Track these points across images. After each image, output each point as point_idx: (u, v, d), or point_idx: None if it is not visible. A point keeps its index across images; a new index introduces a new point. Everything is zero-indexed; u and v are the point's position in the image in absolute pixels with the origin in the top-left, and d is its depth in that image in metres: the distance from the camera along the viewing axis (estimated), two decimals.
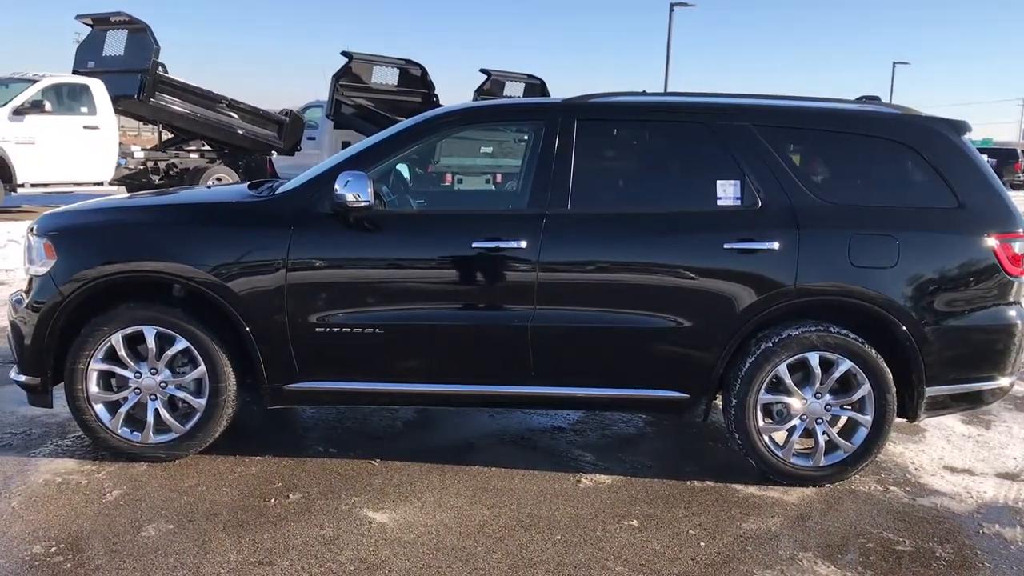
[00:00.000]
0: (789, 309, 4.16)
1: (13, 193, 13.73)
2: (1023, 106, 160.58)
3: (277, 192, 4.40)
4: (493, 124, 6.13)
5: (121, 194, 13.10)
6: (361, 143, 4.65)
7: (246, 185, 4.96)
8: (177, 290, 4.28)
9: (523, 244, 4.08)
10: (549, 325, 4.12)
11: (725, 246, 4.09)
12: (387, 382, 4.26)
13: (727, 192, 4.18)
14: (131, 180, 15.43)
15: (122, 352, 4.15)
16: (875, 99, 4.95)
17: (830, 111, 4.46)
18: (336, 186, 4.00)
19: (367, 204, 4.01)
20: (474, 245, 4.10)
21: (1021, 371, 4.56)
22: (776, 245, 4.07)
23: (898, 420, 4.26)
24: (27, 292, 4.27)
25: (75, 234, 4.26)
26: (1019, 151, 38.98)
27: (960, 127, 4.33)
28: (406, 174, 5.07)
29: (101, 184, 14.64)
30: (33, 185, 13.84)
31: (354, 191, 3.99)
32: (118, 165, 14.89)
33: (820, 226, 4.11)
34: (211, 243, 4.14)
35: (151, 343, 4.14)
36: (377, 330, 4.13)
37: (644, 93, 4.77)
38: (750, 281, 4.10)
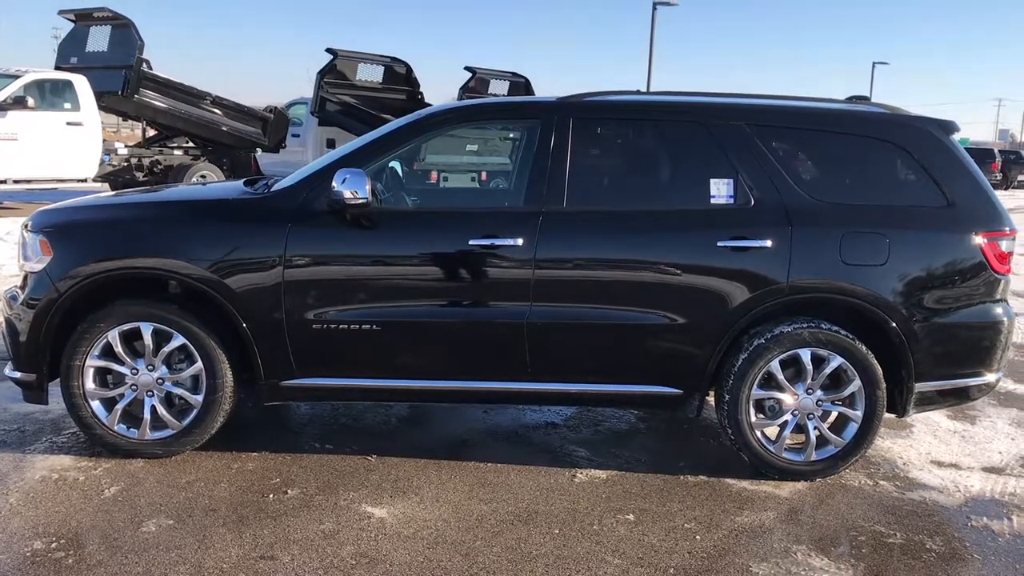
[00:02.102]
0: (781, 306, 4.22)
1: None
2: (998, 107, 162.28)
3: (274, 189, 4.41)
4: (489, 122, 6.14)
5: (106, 191, 13.03)
6: (358, 140, 4.66)
7: (242, 182, 4.97)
8: (174, 287, 4.29)
9: (519, 241, 4.11)
10: (545, 322, 4.16)
11: (719, 244, 4.14)
12: (384, 378, 4.28)
13: (721, 190, 4.23)
14: (115, 177, 15.31)
15: (119, 349, 4.15)
16: (865, 99, 5.02)
17: (822, 111, 4.53)
18: (333, 183, 4.02)
19: (364, 201, 4.04)
20: (471, 242, 4.13)
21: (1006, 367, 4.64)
22: (769, 243, 4.13)
23: (886, 415, 4.33)
24: (22, 288, 4.26)
25: (71, 230, 4.26)
26: (996, 151, 39.50)
27: (949, 127, 4.40)
28: (400, 172, 5.09)
29: (84, 181, 14.52)
30: (16, 181, 13.71)
31: (352, 188, 4.01)
32: (102, 162, 14.78)
33: (812, 224, 4.17)
34: (208, 240, 4.14)
35: (148, 340, 4.15)
36: (374, 327, 4.15)
37: (639, 92, 4.82)
38: (743, 278, 4.15)
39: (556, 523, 3.76)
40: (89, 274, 4.11)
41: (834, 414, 4.33)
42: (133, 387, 4.20)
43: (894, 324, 4.16)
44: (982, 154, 36.53)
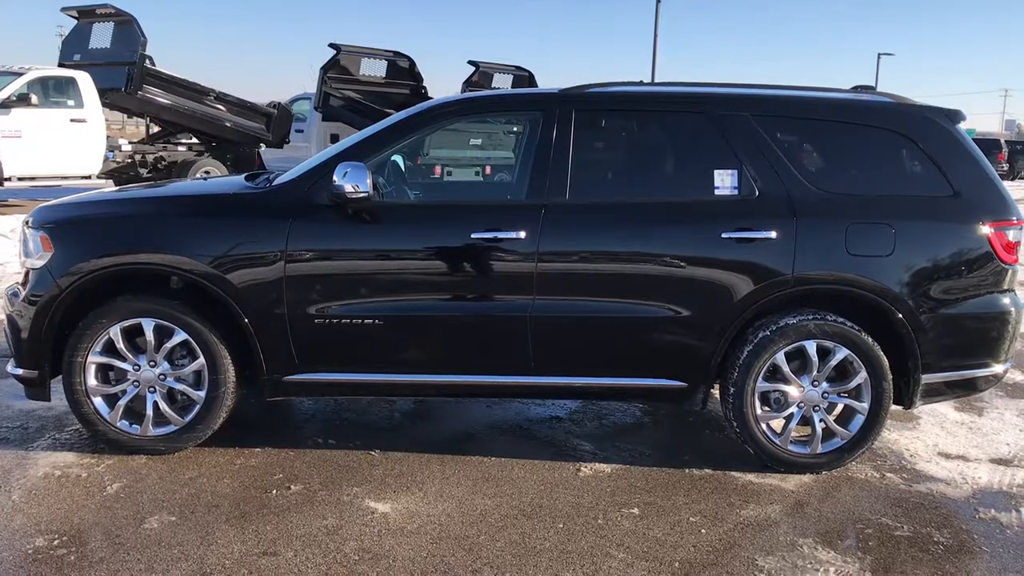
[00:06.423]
0: (787, 298, 4.18)
1: (0, 187, 13.62)
2: (1004, 97, 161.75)
3: (275, 183, 4.39)
4: (491, 114, 6.11)
5: (110, 188, 13.01)
6: (359, 133, 4.64)
7: (243, 177, 4.95)
8: (175, 282, 4.27)
9: (522, 235, 4.08)
10: (548, 315, 4.13)
11: (723, 235, 4.11)
12: (386, 373, 4.26)
13: (725, 182, 4.20)
14: (119, 173, 15.32)
15: (120, 345, 4.13)
16: (870, 89, 4.97)
17: (827, 101, 4.49)
18: (335, 177, 4.00)
19: (366, 195, 4.01)
20: (473, 236, 4.10)
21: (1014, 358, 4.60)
22: (773, 234, 4.10)
23: (893, 407, 4.29)
24: (23, 285, 4.25)
25: (72, 227, 4.24)
26: (1002, 141, 39.42)
27: (955, 116, 4.36)
28: (402, 165, 5.06)
29: (89, 177, 14.50)
30: (20, 179, 13.71)
31: (353, 182, 3.98)
32: (106, 158, 14.78)
33: (817, 215, 4.13)
34: (209, 235, 4.12)
35: (150, 336, 4.13)
36: (376, 321, 4.13)
37: (641, 83, 4.78)
38: (748, 270, 4.12)
39: (560, 517, 3.74)
40: (90, 270, 4.09)
41: (840, 406, 4.29)
42: (135, 383, 4.19)
43: (900, 315, 4.13)
44: (989, 145, 36.43)
